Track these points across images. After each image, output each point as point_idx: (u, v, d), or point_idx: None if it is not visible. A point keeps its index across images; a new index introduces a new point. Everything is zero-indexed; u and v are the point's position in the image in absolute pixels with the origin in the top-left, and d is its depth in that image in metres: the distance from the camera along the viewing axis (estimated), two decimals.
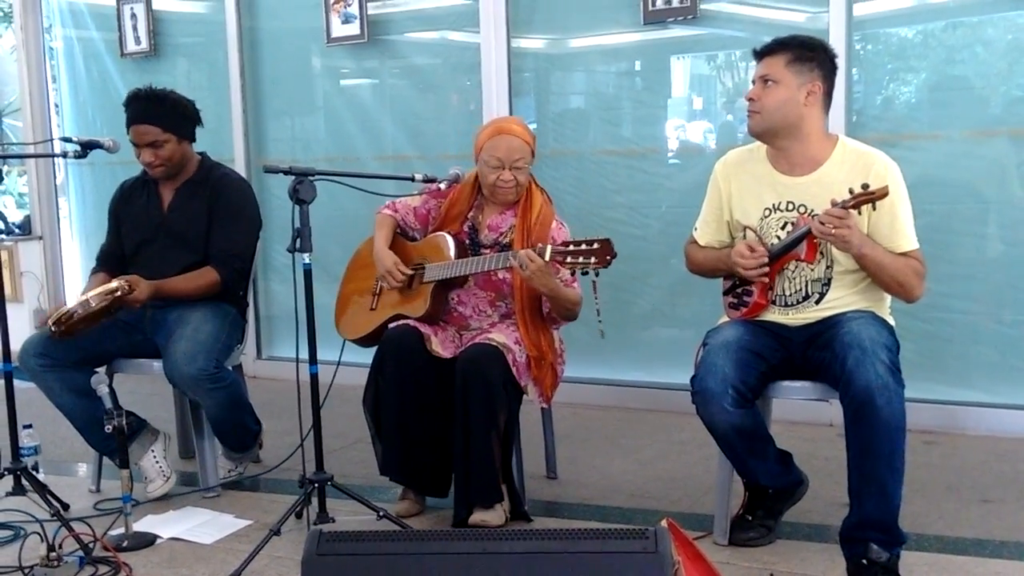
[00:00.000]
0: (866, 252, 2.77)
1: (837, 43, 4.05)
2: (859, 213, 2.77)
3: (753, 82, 2.98)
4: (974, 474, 3.65)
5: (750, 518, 3.07)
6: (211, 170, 3.74)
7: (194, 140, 3.70)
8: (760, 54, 2.96)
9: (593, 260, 2.91)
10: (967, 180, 4.14)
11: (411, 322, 3.29)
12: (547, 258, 2.99)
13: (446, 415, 3.17)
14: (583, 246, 2.93)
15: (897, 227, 2.84)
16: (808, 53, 2.91)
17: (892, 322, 2.93)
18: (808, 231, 2.81)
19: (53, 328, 3.29)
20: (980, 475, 3.64)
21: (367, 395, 3.31)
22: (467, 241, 3.39)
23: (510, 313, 3.35)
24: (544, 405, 3.41)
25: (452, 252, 3.31)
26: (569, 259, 2.94)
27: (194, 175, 3.71)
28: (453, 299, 3.37)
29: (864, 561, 2.64)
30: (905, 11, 4.32)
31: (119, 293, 3.31)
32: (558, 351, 3.39)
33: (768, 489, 3.06)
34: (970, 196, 4.15)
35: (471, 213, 3.44)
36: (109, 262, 3.75)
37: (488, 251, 3.33)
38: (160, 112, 3.58)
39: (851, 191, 2.73)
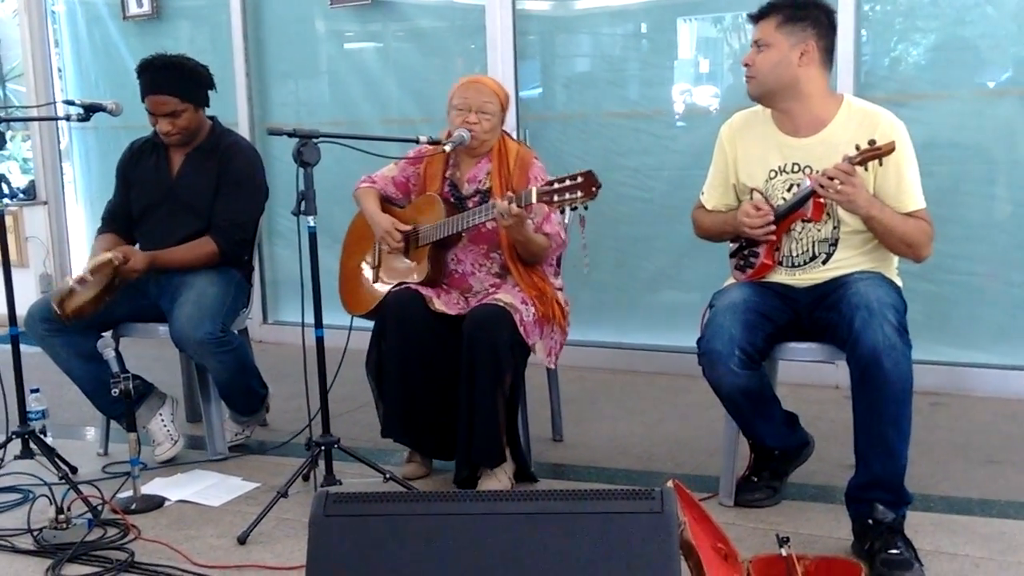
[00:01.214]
0: (874, 214, 2.75)
1: (846, 3, 4.02)
2: (866, 170, 2.75)
3: (751, 46, 2.95)
4: (980, 435, 3.65)
5: (756, 479, 3.08)
6: (221, 137, 3.72)
7: (208, 106, 3.68)
8: (754, 18, 2.94)
9: (580, 194, 2.90)
10: (975, 140, 4.11)
11: (412, 285, 3.29)
12: (534, 200, 2.98)
13: (449, 376, 3.17)
14: (567, 182, 2.93)
15: (904, 186, 2.82)
16: (800, 12, 2.87)
17: (899, 283, 2.92)
18: (814, 190, 2.79)
19: (58, 311, 3.30)
20: (986, 436, 3.64)
21: (370, 358, 3.32)
22: (451, 199, 3.38)
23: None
24: (551, 366, 3.41)
25: (442, 210, 3.31)
26: (556, 197, 2.94)
27: (204, 141, 3.68)
28: (452, 259, 3.37)
29: (870, 521, 2.65)
30: None
31: (115, 263, 3.31)
32: (563, 307, 3.38)
33: (774, 450, 3.07)
34: (978, 157, 4.12)
35: (448, 172, 3.43)
36: (116, 221, 3.74)
37: (471, 202, 3.33)
38: (178, 82, 3.55)
39: (857, 147, 2.72)
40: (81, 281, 3.30)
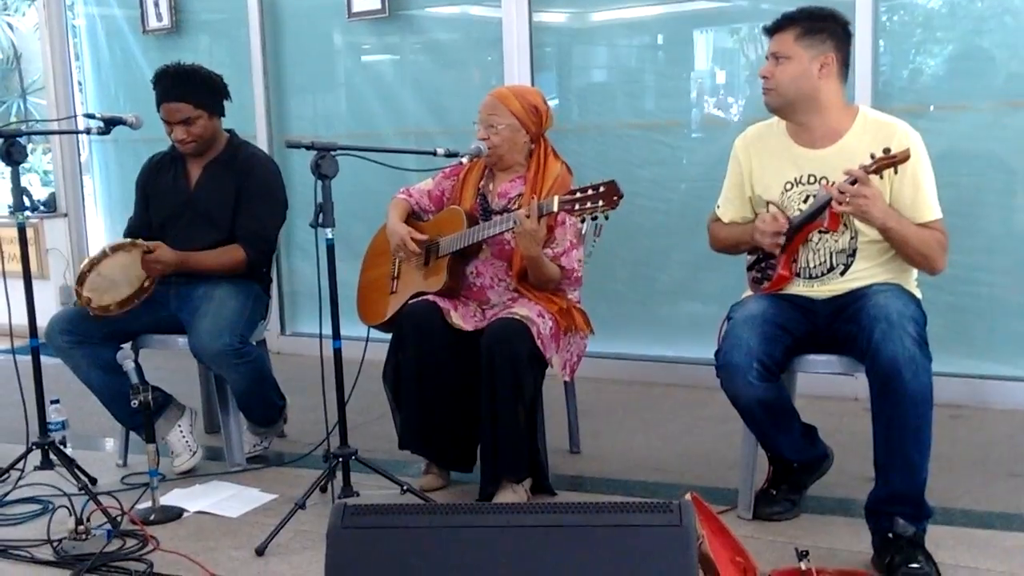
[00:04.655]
0: (891, 225, 2.74)
1: (863, 14, 4.01)
2: (881, 178, 2.74)
3: (766, 58, 2.95)
4: (1001, 448, 3.62)
5: (775, 492, 3.06)
6: (239, 149, 3.74)
7: (224, 115, 3.70)
8: (770, 31, 2.93)
9: (601, 204, 2.91)
10: (994, 151, 4.09)
11: (431, 296, 3.30)
12: (555, 208, 2.99)
13: (467, 388, 3.17)
14: (589, 191, 2.93)
15: (920, 197, 2.81)
16: (818, 24, 2.88)
17: (919, 295, 2.91)
18: (830, 199, 2.78)
19: (82, 302, 3.32)
20: (1007, 449, 3.61)
21: (387, 369, 3.33)
22: (480, 211, 3.39)
23: None
24: (567, 378, 3.41)
25: (464, 223, 3.31)
26: (578, 206, 2.95)
27: (222, 153, 3.71)
28: (472, 272, 3.37)
29: (890, 535, 2.63)
30: None
31: (141, 248, 3.33)
32: (584, 314, 3.37)
33: (793, 463, 3.05)
34: (997, 167, 4.10)
35: (482, 183, 3.44)
36: (137, 236, 3.76)
37: (498, 218, 3.32)
38: (191, 88, 3.58)
39: (872, 156, 2.71)
40: (101, 253, 3.32)
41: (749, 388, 2.76)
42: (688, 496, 2.37)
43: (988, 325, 4.16)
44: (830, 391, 4.08)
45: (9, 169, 3.39)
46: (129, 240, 3.38)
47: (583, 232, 3.37)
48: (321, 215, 3.01)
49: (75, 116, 5.96)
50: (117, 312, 3.40)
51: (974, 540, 2.82)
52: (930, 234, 2.81)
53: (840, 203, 2.72)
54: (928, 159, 2.85)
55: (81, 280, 3.34)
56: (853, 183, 2.69)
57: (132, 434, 3.69)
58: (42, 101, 7.03)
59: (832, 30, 2.89)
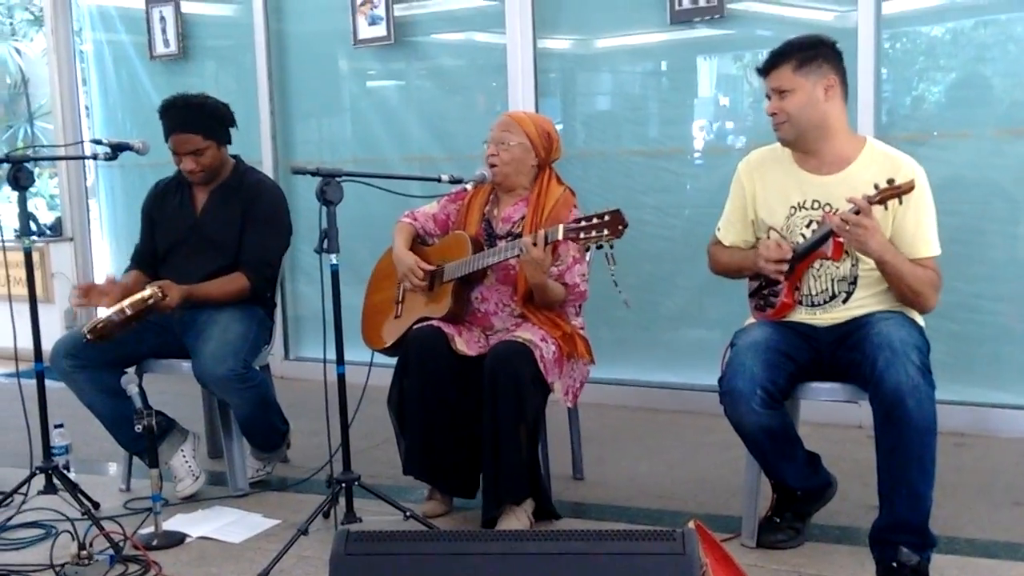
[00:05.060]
0: (887, 259, 2.75)
1: (866, 42, 4.04)
2: (885, 208, 2.75)
3: (768, 97, 2.96)
4: (1006, 476, 3.61)
5: (778, 520, 3.05)
6: (245, 175, 3.77)
7: (230, 143, 3.73)
8: (764, 70, 2.95)
9: (606, 232, 2.92)
10: (997, 179, 4.10)
11: (435, 322, 3.30)
12: (560, 236, 3.00)
13: (471, 414, 3.17)
14: (594, 220, 2.95)
15: (920, 231, 2.83)
16: (811, 53, 2.90)
17: (922, 323, 2.91)
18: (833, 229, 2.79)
19: (89, 336, 3.32)
20: (1012, 477, 3.60)
21: (392, 394, 3.33)
22: (484, 236, 3.40)
23: None
24: (570, 404, 3.41)
25: (469, 249, 3.32)
26: (582, 235, 2.96)
27: (228, 179, 3.73)
28: (476, 298, 3.38)
29: (894, 564, 2.62)
30: (934, 9, 4.29)
31: (151, 301, 3.33)
32: (587, 341, 3.38)
33: (796, 491, 3.04)
34: (1000, 196, 4.10)
35: (487, 208, 3.45)
36: (143, 262, 3.79)
37: (503, 242, 3.33)
38: (200, 120, 3.60)
39: (876, 186, 2.72)
40: (120, 312, 3.32)
41: (753, 415, 2.76)
42: (692, 524, 2.37)
43: (992, 353, 4.16)
44: (834, 419, 4.07)
45: (16, 193, 3.40)
46: (142, 297, 3.34)
47: (588, 256, 3.38)
48: (326, 241, 3.02)
49: (82, 141, 5.99)
50: (117, 333, 3.36)
51: (978, 569, 2.80)
52: (924, 272, 2.82)
53: (839, 228, 2.73)
54: (931, 196, 2.87)
55: (93, 330, 3.32)
56: (857, 213, 2.70)
57: (135, 459, 3.69)
58: (49, 126, 7.06)
59: (825, 54, 2.91)
